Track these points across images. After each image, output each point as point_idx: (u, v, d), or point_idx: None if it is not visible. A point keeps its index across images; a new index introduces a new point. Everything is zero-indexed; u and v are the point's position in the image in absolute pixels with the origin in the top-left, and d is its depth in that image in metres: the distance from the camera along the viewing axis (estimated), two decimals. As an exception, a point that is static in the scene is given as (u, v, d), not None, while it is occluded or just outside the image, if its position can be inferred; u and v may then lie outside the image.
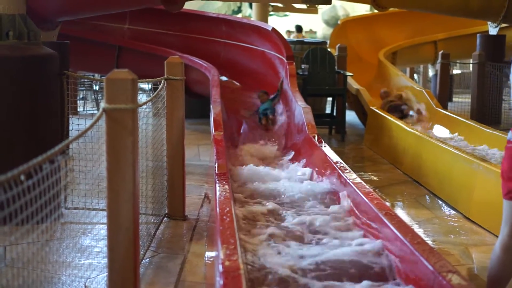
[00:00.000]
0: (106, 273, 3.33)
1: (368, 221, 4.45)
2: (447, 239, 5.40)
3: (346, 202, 4.87)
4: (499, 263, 3.83)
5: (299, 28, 20.64)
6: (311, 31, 29.32)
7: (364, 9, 26.06)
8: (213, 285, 3.38)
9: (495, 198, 5.61)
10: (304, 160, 6.46)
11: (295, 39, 13.91)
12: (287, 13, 26.37)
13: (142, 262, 4.40)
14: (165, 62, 5.58)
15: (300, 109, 7.67)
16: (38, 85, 5.56)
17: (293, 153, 7.02)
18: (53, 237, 4.88)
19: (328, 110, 12.30)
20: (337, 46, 11.88)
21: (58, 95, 5.79)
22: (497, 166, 5.92)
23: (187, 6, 9.71)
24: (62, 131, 5.93)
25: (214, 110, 7.43)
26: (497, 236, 5.37)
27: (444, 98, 12.03)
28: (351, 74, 11.02)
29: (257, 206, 5.06)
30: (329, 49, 11.67)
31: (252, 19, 16.10)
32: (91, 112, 12.09)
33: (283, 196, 5.40)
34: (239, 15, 25.50)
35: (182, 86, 5.62)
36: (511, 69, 3.89)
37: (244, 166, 6.26)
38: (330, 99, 12.01)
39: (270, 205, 5.02)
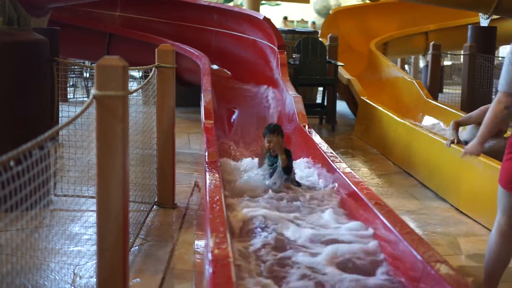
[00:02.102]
0: (95, 260, 3.32)
1: (357, 211, 4.46)
2: (436, 230, 5.42)
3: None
4: (496, 248, 3.85)
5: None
6: (302, 21, 29.30)
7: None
8: (202, 273, 3.38)
9: (484, 189, 5.63)
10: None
11: (287, 29, 13.87)
12: (279, 2, 26.31)
13: (131, 249, 4.40)
14: (156, 49, 5.56)
15: (291, 98, 7.66)
16: (28, 71, 5.53)
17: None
18: (42, 224, 4.87)
19: (319, 100, 12.30)
20: (328, 36, 11.87)
21: (48, 81, 5.76)
22: (487, 157, 5.94)
23: (179, -7, 9.67)
24: (52, 117, 5.90)
25: (205, 98, 7.41)
26: (485, 227, 5.41)
27: (434, 89, 12.05)
28: (342, 64, 11.02)
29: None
30: (320, 39, 11.66)
31: (243, 7, 16.05)
32: (81, 99, 12.06)
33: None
34: (231, 4, 25.43)
35: (173, 74, 5.60)
36: None
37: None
38: (321, 89, 12.00)
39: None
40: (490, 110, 3.78)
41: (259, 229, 4.17)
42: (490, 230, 5.27)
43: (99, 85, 3.22)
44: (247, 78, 9.66)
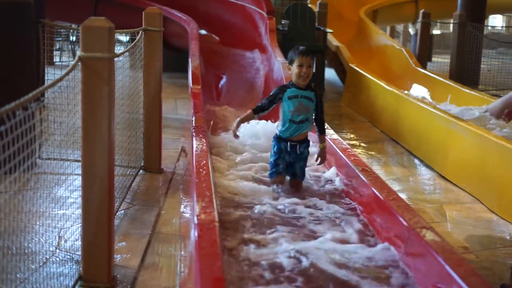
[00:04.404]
0: (80, 224, 3.30)
1: (344, 177, 4.45)
2: (422, 197, 5.44)
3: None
4: None
5: None
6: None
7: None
8: (188, 237, 3.37)
9: (471, 158, 5.65)
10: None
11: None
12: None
13: (117, 213, 4.38)
14: (143, 12, 5.49)
15: (279, 64, 7.62)
16: (13, 32, 5.43)
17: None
18: (26, 187, 4.83)
19: (307, 67, 12.22)
20: (318, 2, 11.78)
21: (33, 43, 5.68)
22: (473, 125, 5.95)
23: (167, -43, 9.54)
24: (38, 80, 5.83)
25: (193, 63, 7.36)
26: (471, 195, 5.44)
27: (423, 58, 12.03)
28: (331, 31, 10.95)
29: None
30: (310, 5, 11.58)
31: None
32: (68, 63, 11.93)
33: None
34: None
35: (160, 37, 5.54)
36: None
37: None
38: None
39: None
40: None
41: None
42: (476, 198, 5.32)
43: (84, 46, 3.17)
44: (236, 44, 9.60)
